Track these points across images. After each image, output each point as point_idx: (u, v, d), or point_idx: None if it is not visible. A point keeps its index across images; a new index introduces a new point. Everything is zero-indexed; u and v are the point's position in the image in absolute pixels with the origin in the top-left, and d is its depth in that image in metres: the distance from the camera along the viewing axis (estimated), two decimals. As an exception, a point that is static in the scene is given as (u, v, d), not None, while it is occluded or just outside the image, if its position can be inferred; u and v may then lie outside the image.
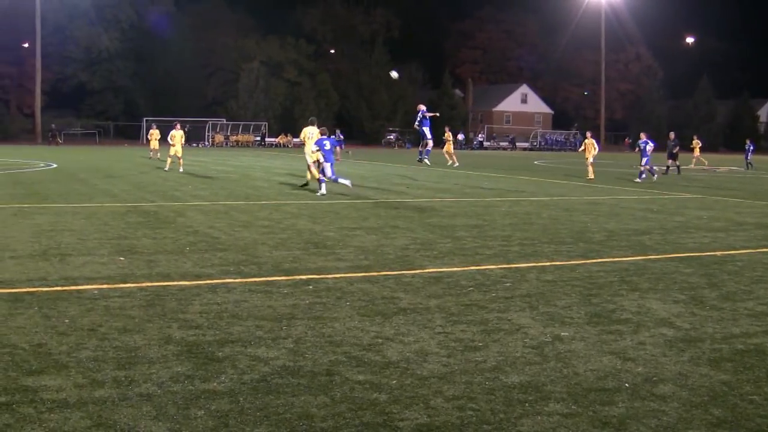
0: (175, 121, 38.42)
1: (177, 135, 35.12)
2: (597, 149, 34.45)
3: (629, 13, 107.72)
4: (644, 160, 34.15)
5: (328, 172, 23.65)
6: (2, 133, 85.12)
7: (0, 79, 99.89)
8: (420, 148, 32.97)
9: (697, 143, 52.62)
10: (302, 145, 26.76)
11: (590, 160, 34.11)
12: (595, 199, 25.14)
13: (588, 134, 35.88)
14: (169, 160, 35.18)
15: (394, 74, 43.32)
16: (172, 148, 35.10)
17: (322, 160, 23.73)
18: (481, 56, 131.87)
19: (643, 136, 35.72)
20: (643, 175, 34.27)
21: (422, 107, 33.17)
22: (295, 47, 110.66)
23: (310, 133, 25.21)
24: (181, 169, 33.92)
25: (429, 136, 31.86)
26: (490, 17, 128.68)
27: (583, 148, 35.37)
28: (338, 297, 9.66)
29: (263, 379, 6.56)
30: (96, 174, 32.25)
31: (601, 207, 22.31)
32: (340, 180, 23.82)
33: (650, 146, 34.55)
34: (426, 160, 32.81)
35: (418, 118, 32.44)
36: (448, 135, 45.98)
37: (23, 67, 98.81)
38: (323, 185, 23.84)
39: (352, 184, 24.50)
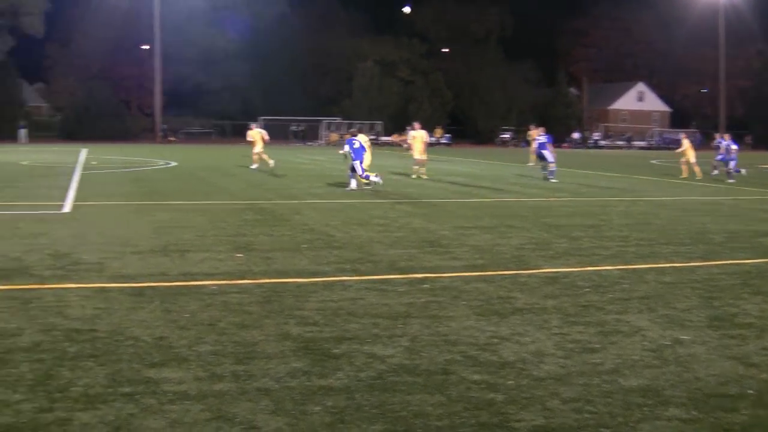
0: (251, 123, 38.54)
1: (255, 134, 35.13)
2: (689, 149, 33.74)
3: (748, 8, 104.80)
4: (731, 163, 33.09)
5: (359, 169, 24.47)
6: (124, 132, 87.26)
7: (122, 80, 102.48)
8: (543, 171, 32.37)
9: None
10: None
11: (692, 160, 33.36)
12: (715, 199, 24.54)
13: (683, 135, 35.22)
14: (254, 158, 35.14)
15: (406, 9, 43.41)
16: (255, 147, 35.14)
17: (351, 158, 24.79)
18: (596, 54, 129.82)
19: (726, 137, 34.86)
20: (731, 177, 33.03)
21: (540, 132, 33.45)
22: (409, 46, 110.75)
23: (364, 140, 26.09)
24: (271, 163, 33.88)
25: (551, 159, 31.42)
26: (605, 14, 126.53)
27: (683, 148, 34.50)
28: (454, 296, 9.63)
29: (379, 377, 6.58)
30: (214, 172, 32.87)
31: (721, 207, 21.77)
32: (371, 178, 24.52)
33: (734, 147, 33.60)
34: (552, 179, 32.16)
35: (537, 143, 32.54)
36: (534, 133, 45.58)
37: (143, 69, 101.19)
38: (353, 181, 24.76)
39: (382, 180, 25.11)
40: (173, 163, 39.74)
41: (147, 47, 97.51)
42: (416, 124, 32.62)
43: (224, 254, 12.40)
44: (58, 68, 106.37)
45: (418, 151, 30.62)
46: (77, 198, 21.03)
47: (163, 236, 14.21)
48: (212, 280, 10.37)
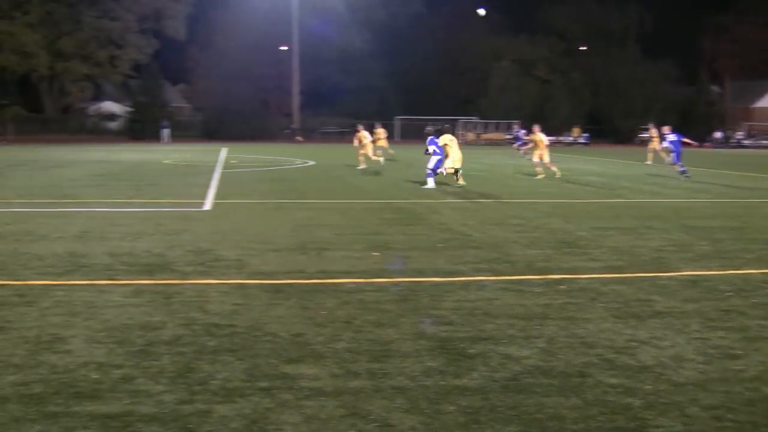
0: (358, 124, 38.62)
1: (363, 136, 35.33)
2: None
3: None
4: None
5: (432, 164, 24.99)
6: (263, 131, 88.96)
7: (261, 81, 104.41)
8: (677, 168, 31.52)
9: None
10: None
11: None
12: None
13: None
14: (361, 159, 35.30)
15: (481, 12, 42.85)
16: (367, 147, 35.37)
17: (432, 154, 25.22)
18: (739, 50, 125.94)
19: None
20: None
21: (667, 130, 32.59)
22: (546, 45, 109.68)
23: (450, 139, 26.72)
24: (381, 161, 35.30)
25: (676, 159, 30.63)
26: (749, 9, 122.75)
27: None
28: (591, 298, 9.48)
29: (514, 378, 6.52)
30: (351, 171, 33.15)
31: None
32: (429, 179, 25.11)
33: None
34: (687, 175, 31.37)
35: (668, 142, 31.70)
36: (653, 132, 44.77)
37: (282, 69, 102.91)
38: (430, 179, 25.09)
39: (434, 186, 25.10)
40: (311, 162, 40.29)
41: (285, 48, 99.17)
42: (535, 127, 32.23)
43: (361, 252, 12.50)
44: (199, 70, 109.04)
45: (537, 155, 30.45)
46: (217, 196, 21.54)
47: (301, 234, 14.42)
48: (349, 278, 10.46)
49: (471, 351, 7.24)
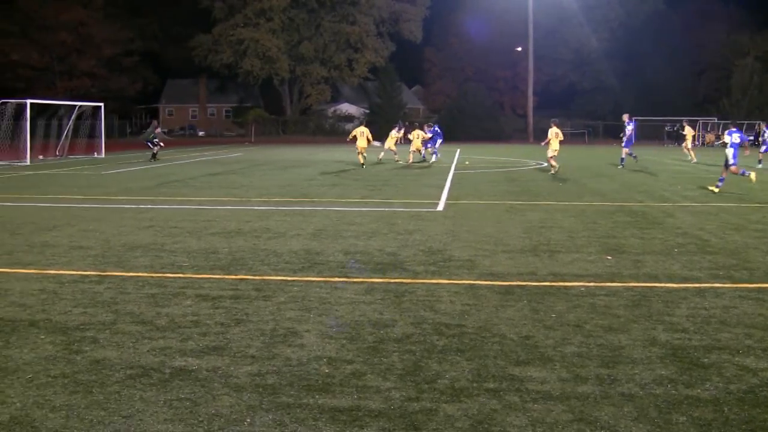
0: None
1: (417, 133, 39.27)
2: None
3: None
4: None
5: (731, 160, 23.87)
6: (497, 132, 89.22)
7: (495, 82, 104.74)
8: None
9: None
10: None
11: None
12: None
13: None
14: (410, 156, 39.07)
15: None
16: (413, 144, 39.21)
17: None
18: None
19: None
20: None
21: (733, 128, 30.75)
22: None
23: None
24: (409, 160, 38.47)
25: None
26: None
27: None
28: (838, 308, 8.96)
29: (751, 391, 6.25)
30: (585, 173, 32.71)
31: None
32: (745, 172, 24.36)
33: None
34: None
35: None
36: (688, 130, 42.56)
37: (516, 70, 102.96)
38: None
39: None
40: (545, 164, 39.96)
41: (519, 49, 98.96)
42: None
43: (594, 256, 12.31)
44: (434, 71, 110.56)
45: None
46: (450, 197, 21.75)
47: (533, 236, 14.35)
48: (581, 281, 10.33)
49: (705, 360, 7.00)
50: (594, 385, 6.33)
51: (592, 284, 10.12)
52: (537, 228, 15.42)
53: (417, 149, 39.70)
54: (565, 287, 9.95)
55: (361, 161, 35.97)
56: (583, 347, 7.36)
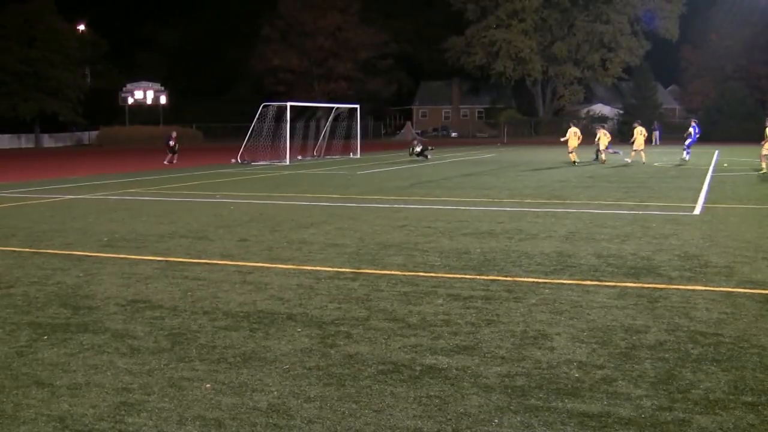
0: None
1: (602, 134, 41.03)
2: None
3: None
4: None
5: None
6: (760, 133, 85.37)
7: (757, 80, 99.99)
8: None
9: None
10: None
11: None
12: None
13: None
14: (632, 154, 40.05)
15: None
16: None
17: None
18: None
19: None
20: None
21: None
22: None
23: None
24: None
25: None
26: None
27: None
28: None
29: None
30: None
31: None
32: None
33: None
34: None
35: None
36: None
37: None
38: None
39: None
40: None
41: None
42: None
43: None
44: (691, 70, 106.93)
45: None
46: (708, 200, 21.02)
47: None
48: None
49: None
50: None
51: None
52: None
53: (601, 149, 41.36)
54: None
55: (573, 159, 39.45)
56: None
